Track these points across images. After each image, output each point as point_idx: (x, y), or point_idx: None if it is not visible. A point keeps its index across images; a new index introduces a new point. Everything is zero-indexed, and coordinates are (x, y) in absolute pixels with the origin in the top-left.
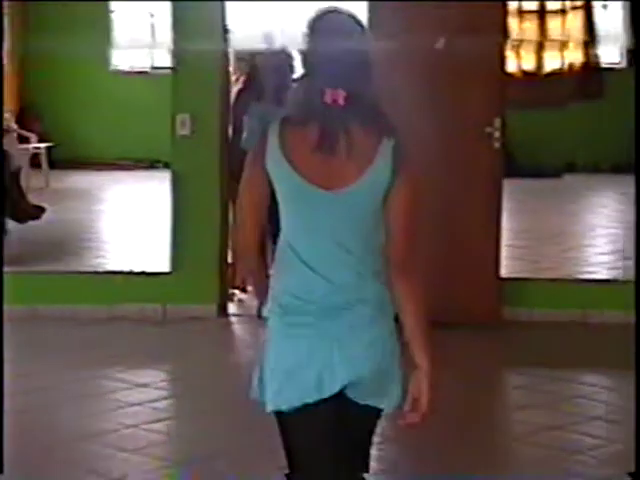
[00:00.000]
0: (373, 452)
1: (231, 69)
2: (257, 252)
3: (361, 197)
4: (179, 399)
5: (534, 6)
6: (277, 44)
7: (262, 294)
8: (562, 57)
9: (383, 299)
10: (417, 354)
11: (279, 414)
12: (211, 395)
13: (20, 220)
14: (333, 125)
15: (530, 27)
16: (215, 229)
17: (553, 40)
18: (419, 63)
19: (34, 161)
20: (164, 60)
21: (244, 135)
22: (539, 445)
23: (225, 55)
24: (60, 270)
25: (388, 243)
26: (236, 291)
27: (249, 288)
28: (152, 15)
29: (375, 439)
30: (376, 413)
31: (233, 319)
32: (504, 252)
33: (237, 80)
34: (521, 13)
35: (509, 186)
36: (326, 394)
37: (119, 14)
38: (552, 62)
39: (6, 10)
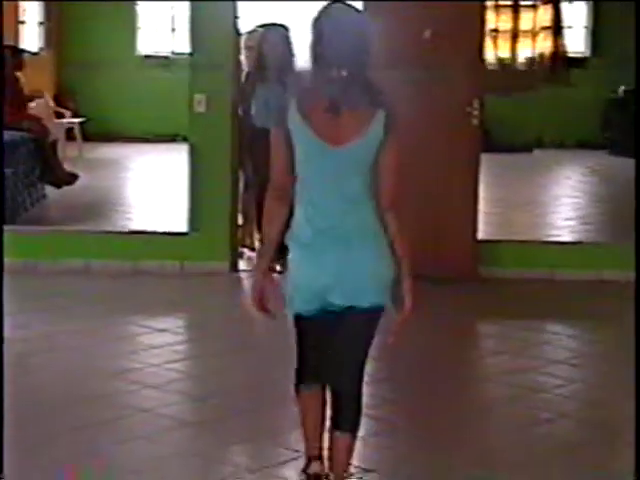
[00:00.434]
0: (371, 412)
1: (241, 55)
2: (289, 186)
3: (359, 152)
4: (195, 342)
5: (509, 1)
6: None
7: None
8: (534, 47)
9: (376, 231)
10: (403, 269)
11: (296, 318)
12: (223, 339)
13: (57, 185)
14: (338, 93)
15: (505, 20)
16: (227, 195)
17: (526, 31)
18: (409, 51)
19: (69, 134)
20: (183, 46)
21: (252, 113)
22: (510, 385)
23: (236, 42)
24: (91, 230)
25: (379, 188)
26: (245, 250)
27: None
28: (172, 7)
29: (373, 401)
30: (368, 312)
31: (243, 274)
32: (481, 217)
33: (246, 63)
34: (497, 7)
35: (486, 160)
36: (327, 306)
37: (143, 5)
38: (525, 51)
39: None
